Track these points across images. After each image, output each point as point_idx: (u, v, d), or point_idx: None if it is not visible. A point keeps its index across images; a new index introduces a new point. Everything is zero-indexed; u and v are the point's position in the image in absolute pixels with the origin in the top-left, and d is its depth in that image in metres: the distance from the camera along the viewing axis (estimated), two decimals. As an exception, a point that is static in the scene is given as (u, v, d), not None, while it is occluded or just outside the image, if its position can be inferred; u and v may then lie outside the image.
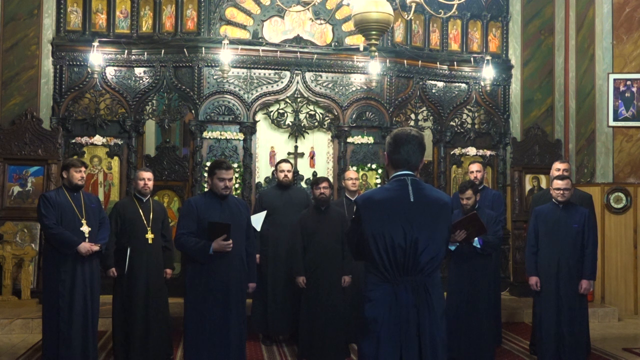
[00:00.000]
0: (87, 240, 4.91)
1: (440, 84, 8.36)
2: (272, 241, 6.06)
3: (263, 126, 7.94)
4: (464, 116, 8.43)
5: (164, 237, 5.38)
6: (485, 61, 7.84)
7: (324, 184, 5.51)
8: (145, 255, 5.24)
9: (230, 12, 7.81)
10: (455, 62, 8.32)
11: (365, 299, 2.85)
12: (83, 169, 5.04)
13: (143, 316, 5.17)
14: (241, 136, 7.72)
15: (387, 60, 7.87)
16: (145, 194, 5.38)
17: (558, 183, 5.08)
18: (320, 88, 7.88)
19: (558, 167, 5.74)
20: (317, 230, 5.37)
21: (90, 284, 4.95)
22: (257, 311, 6.06)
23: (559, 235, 5.02)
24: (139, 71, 7.70)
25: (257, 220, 5.89)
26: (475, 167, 6.54)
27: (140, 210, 5.31)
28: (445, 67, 8.30)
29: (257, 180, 7.85)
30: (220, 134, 7.69)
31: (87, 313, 4.92)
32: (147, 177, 5.38)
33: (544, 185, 8.20)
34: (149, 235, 5.28)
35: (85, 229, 4.94)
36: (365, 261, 2.90)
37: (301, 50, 7.78)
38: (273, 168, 7.67)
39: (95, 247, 4.92)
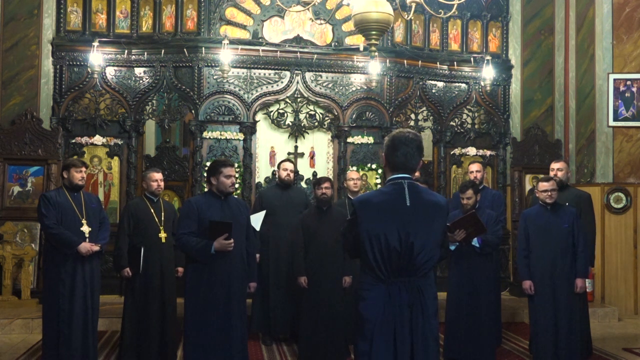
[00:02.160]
0: (87, 240, 4.91)
1: (440, 84, 8.36)
2: (272, 241, 6.07)
3: (263, 126, 7.95)
4: (464, 116, 8.43)
5: (174, 235, 5.38)
6: (485, 61, 7.84)
7: (326, 184, 5.51)
8: (158, 254, 5.26)
9: (230, 12, 7.81)
10: (455, 62, 8.32)
11: (360, 298, 2.90)
12: (83, 169, 5.05)
13: (159, 315, 5.19)
14: (241, 136, 7.73)
15: (387, 60, 7.87)
16: (158, 194, 5.41)
17: (544, 185, 5.04)
18: (320, 88, 7.88)
19: (552, 167, 5.73)
20: (318, 230, 5.37)
21: (90, 284, 4.95)
22: (257, 310, 6.07)
23: (550, 237, 5.00)
24: (139, 71, 7.70)
25: (257, 219, 5.89)
26: (475, 167, 6.54)
27: (152, 210, 5.33)
28: (445, 67, 8.30)
29: (257, 180, 7.85)
30: (220, 134, 7.69)
31: (87, 313, 4.91)
32: (159, 178, 5.42)
33: (544, 185, 8.19)
34: (162, 235, 5.31)
35: (86, 229, 4.94)
36: (360, 260, 2.94)
37: (301, 50, 7.78)
38: (273, 168, 7.68)
39: (96, 247, 4.92)
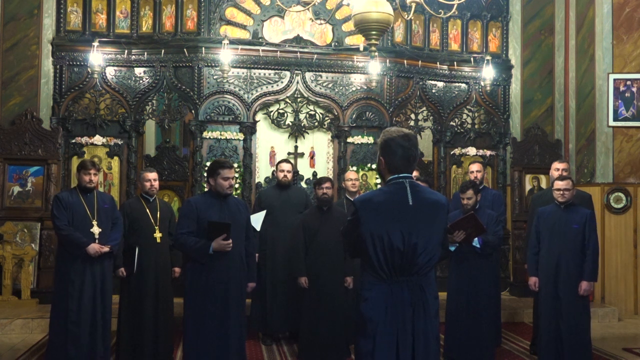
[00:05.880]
0: (97, 241, 4.91)
1: (440, 84, 8.36)
2: (270, 240, 6.08)
3: (263, 126, 7.95)
4: (464, 116, 8.43)
5: (171, 235, 5.37)
6: (485, 61, 7.83)
7: (327, 184, 5.51)
8: (153, 254, 5.26)
9: (230, 12, 7.81)
10: (455, 62, 8.32)
11: (361, 298, 2.87)
12: (92, 170, 5.04)
13: (152, 315, 5.20)
14: (241, 136, 7.73)
15: (387, 60, 7.87)
16: (152, 194, 5.40)
17: (559, 184, 5.07)
18: (320, 88, 7.88)
19: (557, 167, 5.75)
20: (319, 230, 5.37)
21: (101, 285, 4.94)
22: (256, 310, 6.07)
23: (559, 235, 5.00)
24: (139, 71, 7.70)
25: (257, 220, 5.89)
26: (475, 167, 6.54)
27: (148, 210, 5.34)
28: (445, 67, 8.30)
29: (257, 180, 7.85)
30: (220, 134, 7.69)
31: (95, 314, 4.91)
32: (152, 178, 5.41)
33: (544, 185, 8.20)
34: (157, 235, 5.30)
35: (96, 230, 4.95)
36: (361, 260, 2.92)
37: (301, 50, 7.78)
38: (273, 168, 7.68)
39: (105, 249, 4.92)
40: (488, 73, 7.76)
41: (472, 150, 8.34)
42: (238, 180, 7.58)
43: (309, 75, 7.84)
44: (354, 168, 7.72)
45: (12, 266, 6.93)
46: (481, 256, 5.20)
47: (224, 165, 4.43)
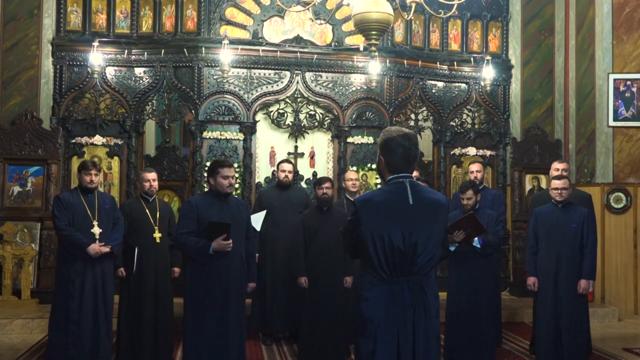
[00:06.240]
0: (97, 241, 4.91)
1: (440, 84, 8.36)
2: (270, 240, 6.08)
3: (263, 126, 7.95)
4: (464, 116, 8.43)
5: (170, 235, 5.37)
6: (485, 61, 7.83)
7: (327, 184, 5.52)
8: (153, 254, 5.26)
9: (230, 12, 7.81)
10: (455, 62, 8.32)
11: (361, 298, 2.86)
12: (93, 171, 5.04)
13: (152, 315, 5.20)
14: (241, 136, 7.73)
15: (387, 60, 7.87)
16: (152, 194, 5.41)
17: (555, 183, 5.09)
18: (320, 88, 7.88)
19: (557, 167, 5.76)
20: (319, 230, 5.37)
21: (102, 286, 4.94)
22: (256, 310, 6.07)
23: (558, 235, 5.01)
24: (139, 71, 7.70)
25: (257, 220, 5.89)
26: (475, 167, 6.54)
27: (147, 210, 5.34)
28: (445, 67, 8.30)
29: (257, 180, 7.85)
30: (220, 134, 7.70)
31: (97, 314, 4.91)
32: (151, 178, 5.41)
33: (544, 185, 8.20)
34: (157, 235, 5.30)
35: (96, 230, 4.95)
36: (361, 260, 2.92)
37: (301, 50, 7.78)
38: (273, 168, 7.68)
39: (106, 249, 4.92)
40: (488, 73, 7.76)
41: (472, 150, 8.34)
42: (238, 180, 7.58)
43: (309, 75, 7.84)
44: (354, 168, 7.72)
45: (12, 266, 6.92)
46: (481, 256, 5.19)
47: (224, 164, 4.44)
